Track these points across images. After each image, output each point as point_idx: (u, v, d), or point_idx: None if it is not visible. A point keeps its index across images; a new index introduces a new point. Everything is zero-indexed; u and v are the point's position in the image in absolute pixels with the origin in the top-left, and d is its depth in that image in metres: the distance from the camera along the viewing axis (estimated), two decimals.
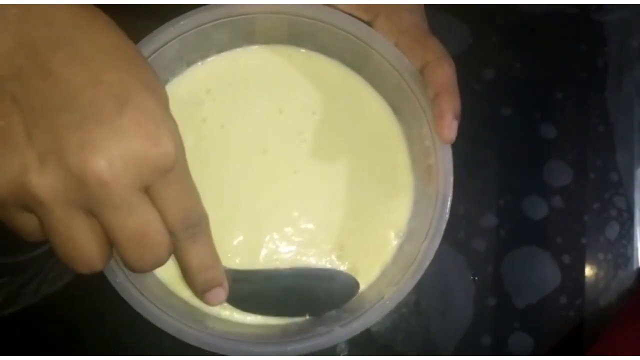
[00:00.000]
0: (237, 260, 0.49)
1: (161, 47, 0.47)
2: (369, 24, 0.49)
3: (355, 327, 0.43)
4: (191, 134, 0.50)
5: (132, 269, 0.36)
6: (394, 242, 0.50)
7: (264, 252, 0.49)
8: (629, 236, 0.60)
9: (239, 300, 0.47)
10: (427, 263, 0.44)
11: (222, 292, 0.42)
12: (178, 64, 0.51)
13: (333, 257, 0.50)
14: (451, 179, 0.45)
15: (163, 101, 0.36)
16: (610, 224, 0.61)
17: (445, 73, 0.46)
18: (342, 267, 0.50)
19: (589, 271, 0.60)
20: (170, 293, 0.48)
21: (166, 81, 0.51)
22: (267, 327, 0.48)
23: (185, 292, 0.48)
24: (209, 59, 0.52)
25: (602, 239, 0.60)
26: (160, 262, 0.36)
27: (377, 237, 0.50)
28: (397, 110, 0.52)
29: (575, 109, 0.63)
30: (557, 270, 0.59)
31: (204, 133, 0.50)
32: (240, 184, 0.50)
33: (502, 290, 0.59)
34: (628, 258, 0.60)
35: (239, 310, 0.48)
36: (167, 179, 0.34)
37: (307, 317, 0.48)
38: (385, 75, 0.49)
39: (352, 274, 0.49)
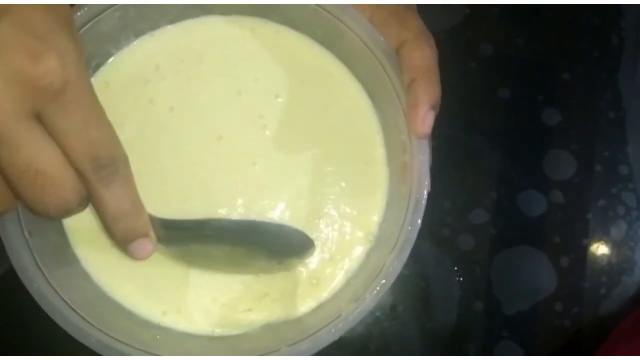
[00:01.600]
0: None
1: (98, 15, 0.41)
2: None
3: (303, 348, 0.38)
4: (135, 117, 0.44)
5: (36, 214, 0.32)
6: (362, 247, 0.44)
7: None
8: (637, 237, 0.54)
9: (177, 249, 0.42)
10: (392, 279, 0.38)
11: (147, 243, 0.37)
12: (123, 35, 0.45)
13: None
14: (426, 182, 0.39)
15: (56, 13, 0.31)
16: (617, 223, 0.54)
17: (423, 55, 0.39)
18: (303, 275, 0.44)
19: (589, 276, 0.54)
20: (104, 298, 0.43)
21: (109, 55, 0.45)
22: (212, 339, 0.43)
23: (126, 298, 0.43)
24: (159, 30, 0.46)
25: (606, 240, 0.54)
26: (69, 206, 0.32)
27: (344, 241, 0.44)
28: (373, 96, 0.45)
29: (583, 92, 0.56)
30: (553, 273, 0.53)
31: (150, 116, 0.45)
32: (190, 174, 0.44)
33: (490, 295, 0.53)
34: (635, 262, 0.54)
35: (183, 319, 0.43)
36: (61, 105, 0.30)
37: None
38: (360, 55, 0.42)
39: (314, 282, 0.44)
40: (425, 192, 0.39)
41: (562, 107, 0.56)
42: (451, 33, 0.53)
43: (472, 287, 0.53)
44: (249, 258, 0.43)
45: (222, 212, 0.44)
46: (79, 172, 0.32)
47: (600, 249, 0.54)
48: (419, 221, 0.39)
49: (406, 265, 0.39)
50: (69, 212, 0.32)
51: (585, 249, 0.54)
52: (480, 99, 0.55)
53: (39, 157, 0.30)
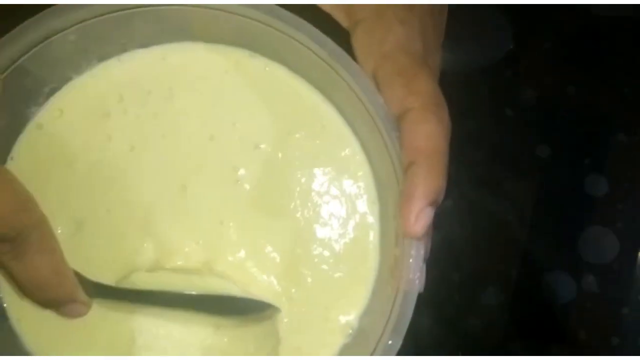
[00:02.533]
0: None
1: (48, 37, 0.35)
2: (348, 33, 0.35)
3: None
4: (89, 155, 0.38)
5: None
6: (338, 341, 0.37)
7: None
8: None
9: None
10: None
11: (76, 307, 0.36)
12: (84, 59, 0.38)
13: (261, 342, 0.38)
14: (416, 284, 0.32)
15: None
16: None
17: (428, 133, 0.31)
18: None
19: None
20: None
21: (67, 79, 0.38)
22: None
23: None
24: (127, 54, 0.39)
25: None
26: None
27: (319, 329, 0.38)
28: (372, 161, 0.37)
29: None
30: None
31: (106, 155, 0.38)
32: (144, 227, 0.38)
33: None
34: None
35: None
36: None
37: None
38: (358, 114, 0.35)
39: None
40: (412, 304, 0.32)
41: (612, 176, 0.48)
42: (488, 72, 0.45)
43: None
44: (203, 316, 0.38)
45: (182, 279, 0.37)
46: None
47: (634, 351, 0.46)
48: (400, 340, 0.31)
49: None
50: None
51: (613, 351, 0.46)
52: (514, 155, 0.47)
53: None
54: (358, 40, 0.35)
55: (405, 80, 0.33)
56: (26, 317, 0.37)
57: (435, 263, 0.33)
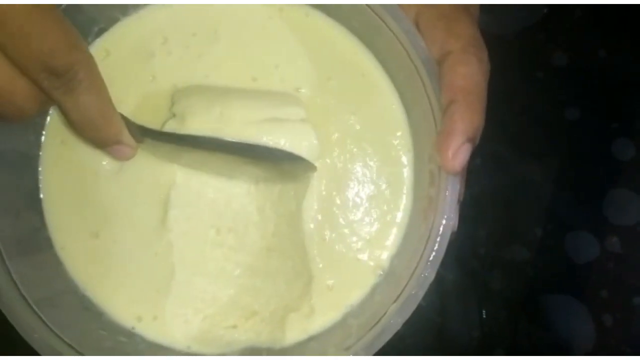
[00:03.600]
0: None
1: None
2: None
3: None
4: (134, 94, 0.39)
5: None
6: (369, 280, 0.38)
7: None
8: None
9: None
10: (389, 334, 0.33)
11: (123, 149, 0.36)
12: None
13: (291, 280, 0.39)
14: (451, 223, 0.33)
15: None
16: None
17: (468, 73, 0.32)
18: (298, 299, 0.39)
19: (634, 340, 0.47)
20: (73, 293, 0.39)
21: (114, 20, 0.40)
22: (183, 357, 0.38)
23: (99, 295, 0.39)
24: None
25: None
26: (26, 113, 0.32)
27: (350, 270, 0.39)
28: (409, 108, 0.38)
29: None
30: (592, 331, 0.47)
31: (150, 94, 0.39)
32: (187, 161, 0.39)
33: (514, 344, 0.47)
34: None
35: (159, 328, 0.39)
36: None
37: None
38: (398, 60, 0.36)
39: (308, 309, 0.38)
40: (446, 241, 0.33)
41: (639, 140, 0.47)
42: (522, 35, 0.46)
43: (495, 331, 0.46)
44: (243, 163, 0.38)
45: (227, 213, 0.39)
46: (34, 81, 0.31)
47: None
48: (434, 273, 0.33)
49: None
50: (30, 116, 0.32)
51: (634, 310, 0.47)
52: (543, 116, 0.48)
53: None
54: None
55: (447, 24, 0.34)
56: (68, 245, 0.39)
57: (462, 219, 0.34)
